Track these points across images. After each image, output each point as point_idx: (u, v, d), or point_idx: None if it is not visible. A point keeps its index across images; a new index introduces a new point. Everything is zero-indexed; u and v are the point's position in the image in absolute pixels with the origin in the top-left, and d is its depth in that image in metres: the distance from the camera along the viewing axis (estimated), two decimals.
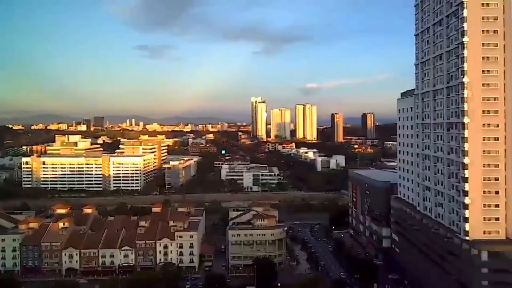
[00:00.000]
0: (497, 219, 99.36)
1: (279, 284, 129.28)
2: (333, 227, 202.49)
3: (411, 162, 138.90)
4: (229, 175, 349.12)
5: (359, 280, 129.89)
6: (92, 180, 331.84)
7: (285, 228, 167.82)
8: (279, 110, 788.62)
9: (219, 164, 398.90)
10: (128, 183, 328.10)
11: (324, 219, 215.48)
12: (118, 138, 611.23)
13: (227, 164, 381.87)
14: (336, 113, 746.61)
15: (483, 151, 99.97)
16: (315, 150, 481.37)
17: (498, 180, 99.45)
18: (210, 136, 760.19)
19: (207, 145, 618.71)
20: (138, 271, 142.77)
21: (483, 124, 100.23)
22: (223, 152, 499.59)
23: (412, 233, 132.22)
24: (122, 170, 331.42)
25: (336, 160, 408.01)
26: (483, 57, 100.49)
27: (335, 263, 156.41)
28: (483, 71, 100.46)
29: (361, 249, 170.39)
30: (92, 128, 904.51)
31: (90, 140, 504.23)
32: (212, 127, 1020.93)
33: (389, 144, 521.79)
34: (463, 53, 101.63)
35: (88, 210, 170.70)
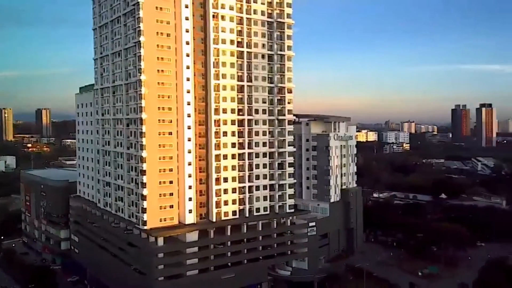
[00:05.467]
0: (171, 206, 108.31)
1: None
2: (2, 237, 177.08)
3: (91, 158, 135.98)
4: None
5: None
6: None
7: None
8: None
9: None
10: None
11: None
12: None
13: None
14: (4, 108, 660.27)
15: (159, 144, 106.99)
16: None
17: (172, 170, 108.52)
18: None
19: None
20: None
21: (159, 120, 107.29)
22: None
23: (93, 231, 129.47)
24: None
25: (5, 161, 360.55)
26: (158, 57, 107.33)
27: (5, 277, 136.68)
28: (158, 70, 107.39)
29: (37, 257, 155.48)
30: None
31: None
32: None
33: (68, 141, 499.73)
34: (140, 52, 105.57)
35: None
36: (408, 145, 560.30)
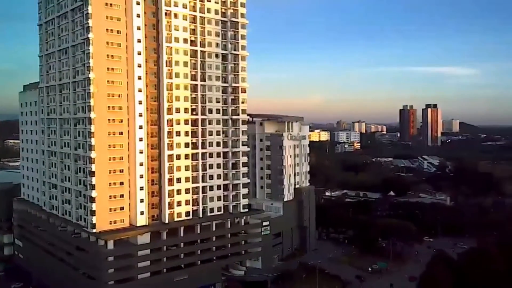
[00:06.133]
0: (122, 208, 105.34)
1: None
2: None
3: (36, 160, 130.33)
4: None
5: None
6: None
7: None
8: None
9: None
10: None
11: None
12: None
13: None
14: None
15: (109, 145, 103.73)
16: None
17: (123, 171, 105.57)
18: None
19: None
20: None
21: (109, 119, 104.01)
22: None
23: (38, 235, 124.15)
24: None
25: None
26: (107, 55, 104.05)
27: None
28: (108, 68, 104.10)
29: None
30: None
31: None
32: None
33: (11, 142, 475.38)
34: (88, 49, 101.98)
35: None
36: (359, 144, 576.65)
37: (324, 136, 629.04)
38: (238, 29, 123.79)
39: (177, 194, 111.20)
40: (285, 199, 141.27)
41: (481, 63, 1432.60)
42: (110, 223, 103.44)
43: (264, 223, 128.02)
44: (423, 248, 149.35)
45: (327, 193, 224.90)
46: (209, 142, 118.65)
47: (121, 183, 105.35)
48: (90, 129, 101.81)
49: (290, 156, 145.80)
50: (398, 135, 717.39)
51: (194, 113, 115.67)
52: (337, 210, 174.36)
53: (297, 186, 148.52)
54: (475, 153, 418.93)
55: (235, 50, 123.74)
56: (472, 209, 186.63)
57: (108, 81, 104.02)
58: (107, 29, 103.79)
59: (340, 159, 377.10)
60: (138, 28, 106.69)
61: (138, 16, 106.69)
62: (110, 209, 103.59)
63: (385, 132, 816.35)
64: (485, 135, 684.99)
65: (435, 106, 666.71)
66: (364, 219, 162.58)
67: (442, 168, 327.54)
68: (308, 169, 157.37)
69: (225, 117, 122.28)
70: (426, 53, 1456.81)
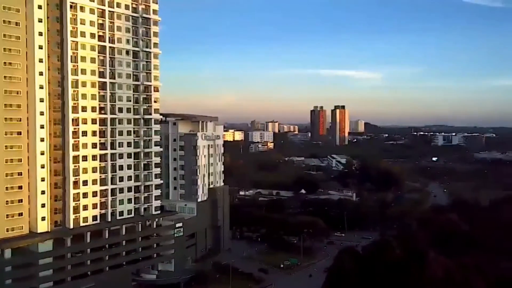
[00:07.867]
0: (21, 214, 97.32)
1: None
2: None
3: None
4: None
5: None
6: None
7: None
8: None
9: None
10: None
11: None
12: None
13: None
14: None
15: (5, 146, 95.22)
16: None
17: (21, 175, 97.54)
18: None
19: None
20: None
21: (5, 118, 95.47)
22: None
23: None
24: None
25: None
26: (4, 49, 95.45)
27: None
28: (4, 63, 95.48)
29: None
30: None
31: None
32: None
33: None
34: None
35: None
36: (272, 144, 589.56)
37: (239, 136, 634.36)
38: (150, 26, 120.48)
39: (83, 197, 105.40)
40: (199, 200, 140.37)
41: (382, 68, 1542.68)
42: (7, 231, 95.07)
43: (177, 225, 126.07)
44: (332, 243, 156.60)
45: (241, 193, 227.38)
46: (119, 143, 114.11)
47: (20, 187, 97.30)
48: None
49: (204, 156, 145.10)
50: (309, 134, 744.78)
51: (102, 112, 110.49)
52: (250, 209, 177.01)
53: (211, 186, 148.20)
54: (378, 152, 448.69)
55: (146, 47, 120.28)
56: (375, 204, 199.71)
57: (4, 76, 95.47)
58: (4, 20, 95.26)
59: (254, 158, 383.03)
60: (40, 20, 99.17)
61: (40, 7, 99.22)
62: (7, 215, 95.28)
63: (297, 132, 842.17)
64: (387, 135, 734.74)
65: (343, 107, 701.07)
66: (276, 217, 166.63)
67: (349, 166, 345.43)
68: (223, 169, 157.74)
69: (137, 116, 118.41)
70: (335, 58, 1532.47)
